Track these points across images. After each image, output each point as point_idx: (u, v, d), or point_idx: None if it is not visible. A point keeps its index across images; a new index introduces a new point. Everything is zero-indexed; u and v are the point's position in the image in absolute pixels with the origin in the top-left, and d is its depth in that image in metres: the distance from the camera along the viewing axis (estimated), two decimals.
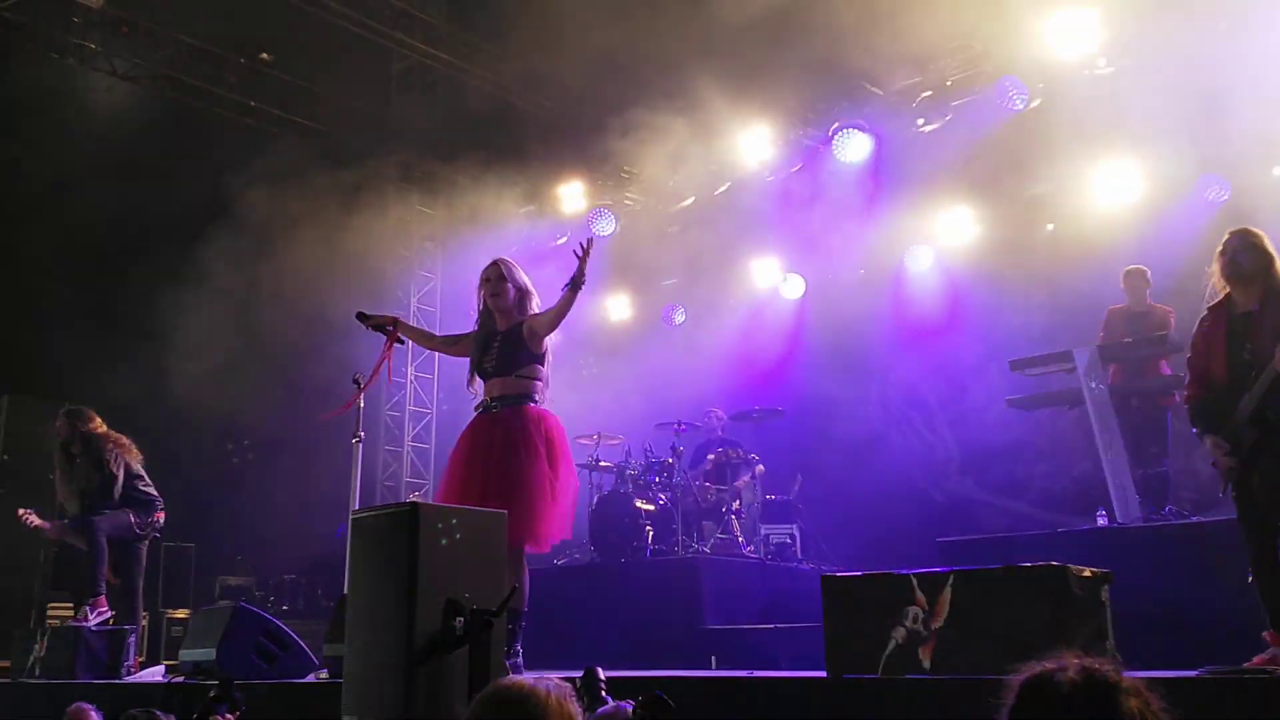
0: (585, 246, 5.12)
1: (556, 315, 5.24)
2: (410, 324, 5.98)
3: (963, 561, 5.20)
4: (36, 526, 7.59)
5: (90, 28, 9.99)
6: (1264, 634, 4.40)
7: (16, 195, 10.33)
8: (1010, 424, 9.07)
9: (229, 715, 3.95)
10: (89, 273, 10.60)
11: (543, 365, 5.39)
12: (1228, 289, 4.95)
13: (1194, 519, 6.68)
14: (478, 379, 5.42)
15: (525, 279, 5.48)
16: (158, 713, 3.92)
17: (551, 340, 5.44)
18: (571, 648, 7.22)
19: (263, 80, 11.17)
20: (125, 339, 10.38)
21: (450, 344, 5.76)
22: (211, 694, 3.98)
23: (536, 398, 5.32)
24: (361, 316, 5.77)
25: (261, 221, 10.35)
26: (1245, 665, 4.16)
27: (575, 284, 5.11)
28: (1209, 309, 5.01)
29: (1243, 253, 4.89)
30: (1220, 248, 4.98)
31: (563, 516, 5.23)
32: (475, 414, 5.38)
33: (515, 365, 5.27)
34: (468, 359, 5.53)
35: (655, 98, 9.79)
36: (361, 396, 5.94)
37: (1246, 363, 4.78)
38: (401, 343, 5.82)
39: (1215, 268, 4.98)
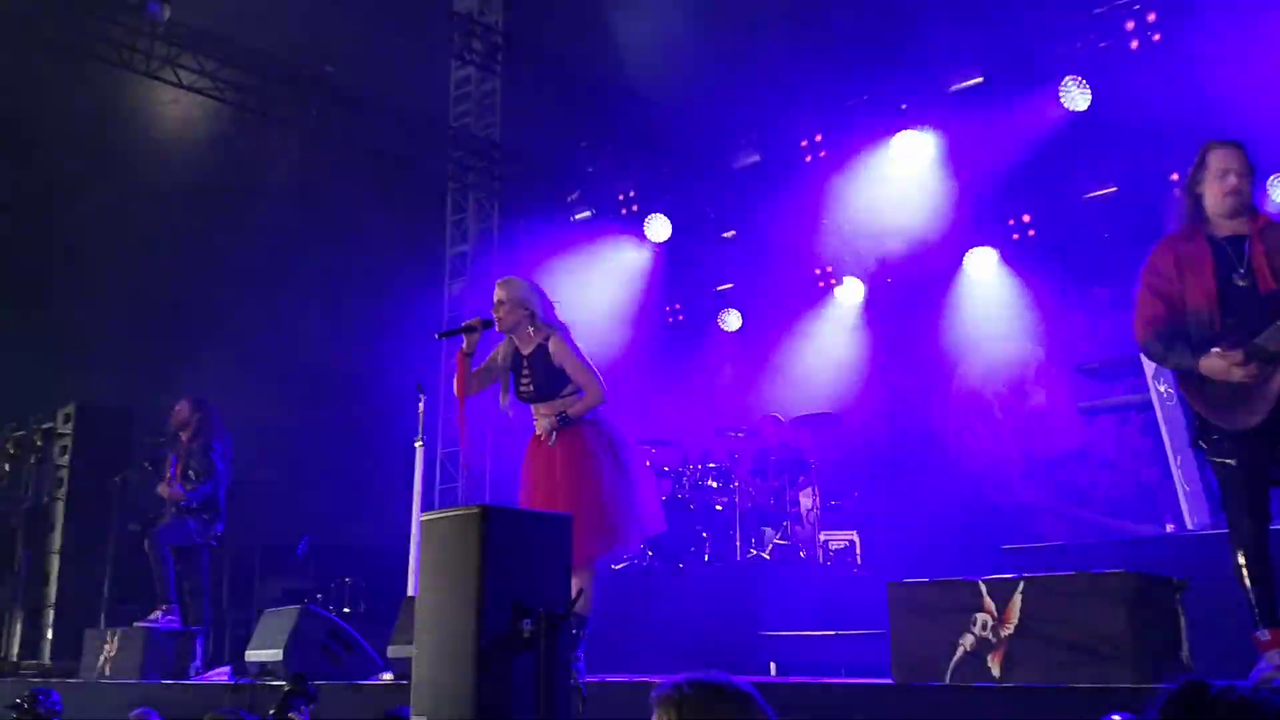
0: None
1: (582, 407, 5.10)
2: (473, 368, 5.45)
3: (1028, 569, 5.12)
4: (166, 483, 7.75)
5: (156, 40, 10.17)
6: (1259, 635, 3.91)
7: (84, 207, 10.56)
8: (1075, 430, 8.92)
9: (305, 709, 4.01)
10: (154, 283, 10.81)
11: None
12: (1201, 210, 4.37)
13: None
14: (513, 399, 5.25)
15: (531, 295, 5.21)
16: (243, 713, 3.98)
17: (587, 351, 5.23)
18: (628, 653, 7.21)
19: (326, 90, 11.31)
20: (189, 349, 10.58)
21: (486, 376, 5.35)
22: (287, 688, 4.04)
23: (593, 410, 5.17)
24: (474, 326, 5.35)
25: (326, 230, 10.51)
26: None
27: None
28: (1179, 232, 4.42)
29: (1245, 176, 4.34)
30: (1214, 165, 4.35)
31: (650, 513, 5.18)
32: (532, 430, 5.22)
33: (555, 390, 5.11)
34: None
35: (711, 96, 9.79)
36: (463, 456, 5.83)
37: (1241, 290, 4.22)
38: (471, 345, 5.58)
39: (1212, 188, 4.32)
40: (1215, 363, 4.07)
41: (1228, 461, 4.08)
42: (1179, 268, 4.32)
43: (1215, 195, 4.31)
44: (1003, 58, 9.52)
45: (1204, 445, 4.20)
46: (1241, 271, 4.22)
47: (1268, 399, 3.99)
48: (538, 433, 5.17)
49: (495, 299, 5.19)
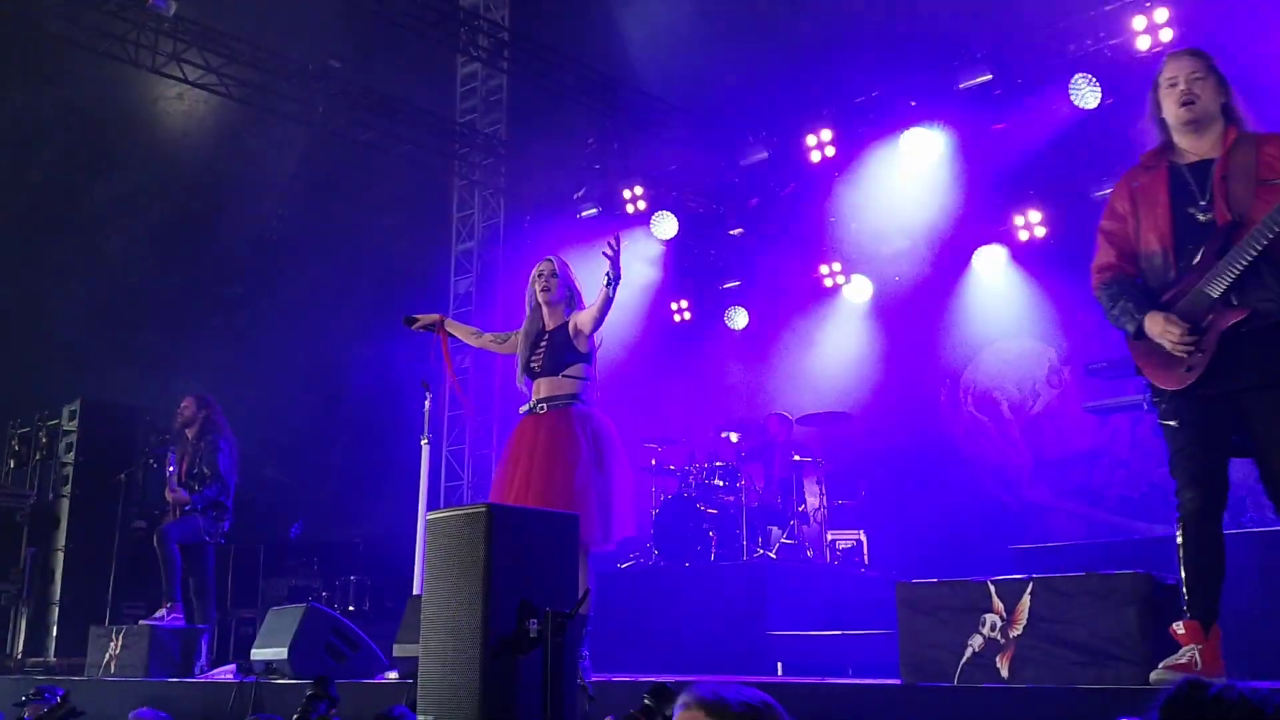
0: (614, 244, 5.04)
1: (598, 313, 5.19)
2: (457, 322, 6.02)
3: (1037, 569, 5.09)
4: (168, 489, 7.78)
5: (162, 35, 10.17)
6: (1175, 626, 3.51)
7: (91, 202, 10.56)
8: (1086, 429, 8.88)
9: (330, 713, 4.00)
10: (161, 278, 10.81)
11: (590, 364, 5.37)
12: (1165, 135, 3.78)
13: (1277, 526, 6.48)
14: (526, 378, 5.42)
15: (575, 280, 5.51)
16: (278, 719, 4.00)
17: (599, 338, 5.41)
18: (635, 652, 7.20)
19: (331, 86, 11.30)
20: (195, 345, 10.59)
21: (499, 341, 5.77)
22: (309, 693, 4.04)
23: (583, 397, 5.29)
24: (408, 320, 5.93)
25: (332, 226, 10.51)
26: (1166, 665, 3.43)
27: (610, 282, 5.03)
28: (1141, 162, 3.83)
29: (1199, 80, 3.69)
30: (1165, 77, 3.74)
31: (620, 516, 5.19)
32: (521, 415, 5.38)
33: (562, 365, 5.26)
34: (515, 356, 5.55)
35: (720, 96, 9.76)
36: (457, 391, 6.13)
37: (1200, 226, 3.61)
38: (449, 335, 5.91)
39: (1167, 104, 3.72)
40: (1155, 324, 3.62)
41: (1169, 423, 3.64)
42: (1134, 204, 3.80)
43: (1170, 111, 3.72)
44: (1012, 54, 9.47)
45: (1154, 406, 3.75)
46: (1203, 203, 3.62)
47: (1206, 351, 3.51)
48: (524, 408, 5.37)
49: (547, 270, 5.45)
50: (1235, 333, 3.49)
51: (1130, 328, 3.71)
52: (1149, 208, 3.72)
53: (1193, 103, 3.65)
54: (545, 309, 5.46)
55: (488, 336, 5.89)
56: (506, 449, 5.35)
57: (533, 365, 5.35)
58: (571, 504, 4.85)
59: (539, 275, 5.49)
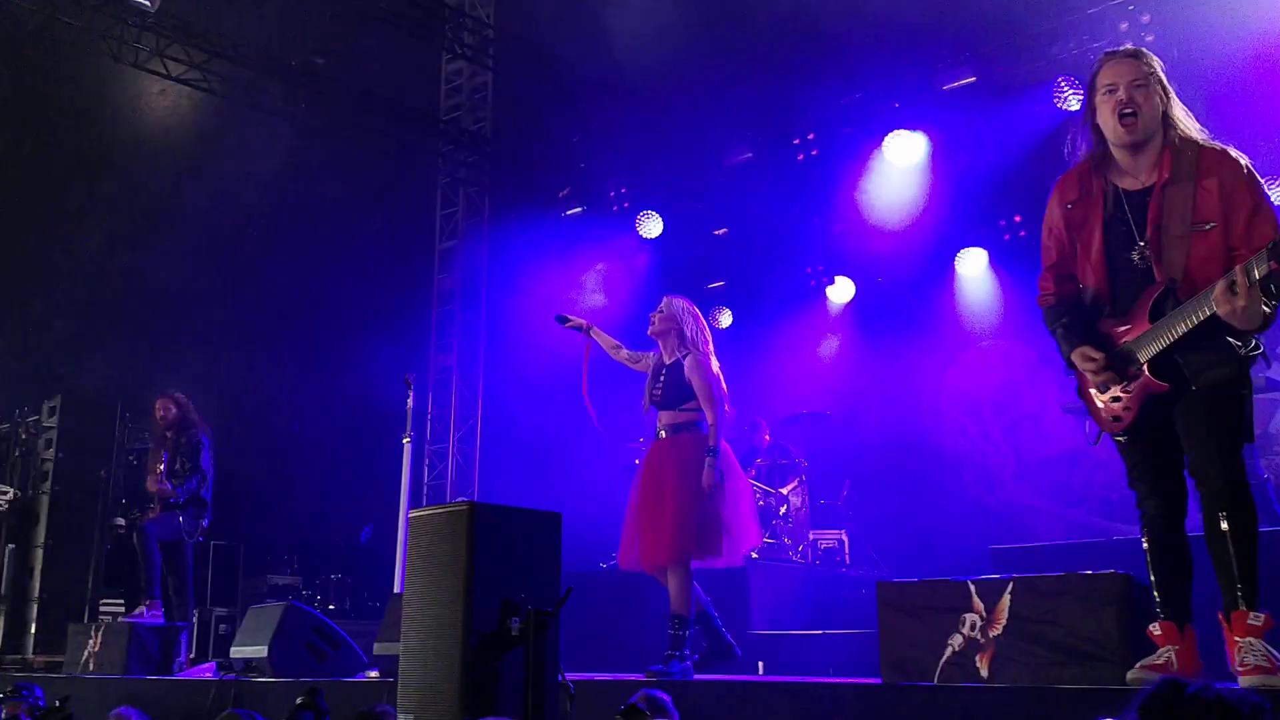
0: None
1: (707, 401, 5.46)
2: (601, 332, 6.19)
3: (1017, 569, 5.12)
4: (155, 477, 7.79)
5: (145, 31, 10.11)
6: (1151, 627, 3.48)
7: (71, 199, 10.49)
8: (1067, 430, 8.91)
9: None
10: (141, 274, 10.75)
11: (709, 399, 5.56)
12: (1099, 146, 3.46)
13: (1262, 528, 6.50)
14: (651, 405, 5.69)
15: (688, 319, 5.68)
16: (257, 715, 3.99)
17: (717, 369, 5.63)
18: (615, 652, 7.19)
19: (315, 83, 11.26)
20: (175, 341, 10.54)
21: (633, 360, 6.00)
22: (299, 701, 4.03)
23: (703, 428, 5.53)
24: (561, 319, 6.18)
25: (315, 224, 10.47)
26: (1143, 665, 3.40)
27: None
28: (1077, 169, 3.54)
29: (1141, 89, 3.33)
30: (1103, 81, 3.39)
31: (744, 532, 5.55)
32: (651, 442, 5.71)
33: (679, 399, 5.51)
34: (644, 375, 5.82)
35: (704, 93, 9.77)
36: (586, 402, 6.21)
37: (1137, 270, 3.37)
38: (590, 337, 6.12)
39: (1103, 112, 3.40)
40: (1078, 357, 3.52)
41: (1120, 440, 3.56)
42: (1069, 228, 3.58)
43: (1106, 120, 3.40)
44: (996, 57, 9.51)
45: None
46: (1140, 245, 3.35)
47: (1131, 410, 3.46)
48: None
49: (657, 310, 5.74)
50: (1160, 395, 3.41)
51: (1065, 353, 3.61)
52: (1084, 244, 3.51)
53: (1134, 115, 3.34)
54: (661, 342, 5.69)
55: (625, 352, 6.11)
56: (639, 474, 5.65)
57: (654, 395, 5.63)
58: (696, 525, 5.22)
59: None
